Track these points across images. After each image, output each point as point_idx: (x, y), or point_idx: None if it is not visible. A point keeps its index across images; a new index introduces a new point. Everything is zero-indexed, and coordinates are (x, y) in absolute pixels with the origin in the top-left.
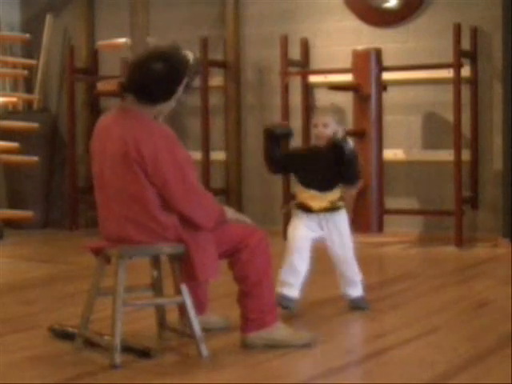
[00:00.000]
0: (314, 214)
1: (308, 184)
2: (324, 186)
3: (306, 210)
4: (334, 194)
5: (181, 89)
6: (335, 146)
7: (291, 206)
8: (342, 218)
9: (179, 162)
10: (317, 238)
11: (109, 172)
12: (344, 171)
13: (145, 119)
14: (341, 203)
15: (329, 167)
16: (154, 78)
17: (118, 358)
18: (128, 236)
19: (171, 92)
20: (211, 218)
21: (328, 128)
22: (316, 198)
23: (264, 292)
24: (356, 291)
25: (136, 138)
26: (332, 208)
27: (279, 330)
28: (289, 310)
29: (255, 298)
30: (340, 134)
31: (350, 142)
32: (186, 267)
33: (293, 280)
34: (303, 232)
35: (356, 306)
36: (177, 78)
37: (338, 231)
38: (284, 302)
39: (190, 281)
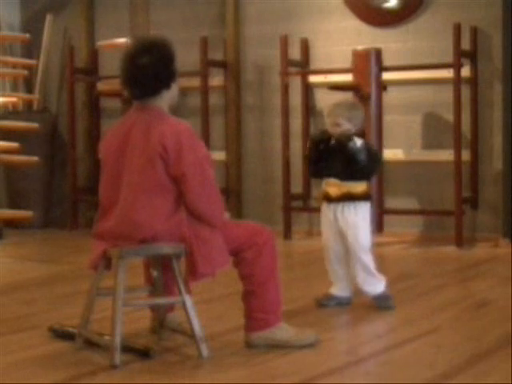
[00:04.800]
0: (332, 204)
1: (329, 173)
2: (344, 175)
3: (326, 198)
4: (356, 185)
5: (176, 68)
6: (340, 145)
7: (319, 197)
8: (360, 211)
9: (199, 157)
10: (337, 228)
11: (130, 169)
12: (352, 167)
13: (165, 116)
14: (363, 194)
15: (346, 159)
16: (147, 72)
17: (118, 358)
18: (133, 231)
19: (169, 75)
20: (220, 217)
21: (340, 127)
22: (335, 186)
23: (269, 291)
24: (373, 288)
25: (161, 132)
26: (350, 197)
27: (283, 331)
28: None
29: (260, 298)
30: (350, 132)
31: (356, 141)
32: (188, 264)
33: (333, 278)
34: (326, 229)
35: (377, 304)
36: (167, 61)
37: (351, 223)
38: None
39: (194, 277)
